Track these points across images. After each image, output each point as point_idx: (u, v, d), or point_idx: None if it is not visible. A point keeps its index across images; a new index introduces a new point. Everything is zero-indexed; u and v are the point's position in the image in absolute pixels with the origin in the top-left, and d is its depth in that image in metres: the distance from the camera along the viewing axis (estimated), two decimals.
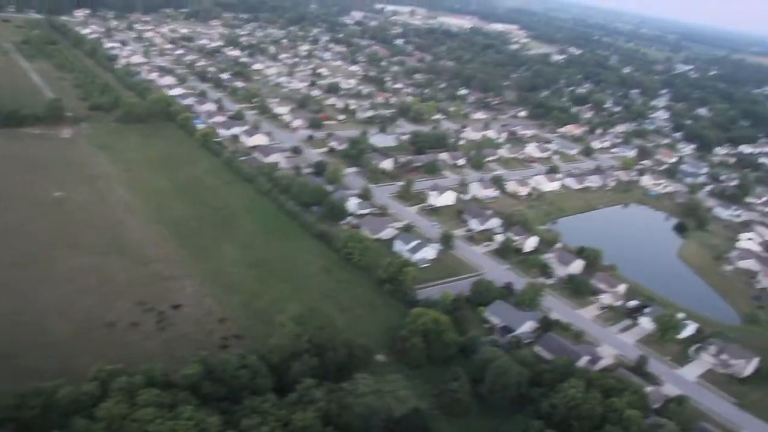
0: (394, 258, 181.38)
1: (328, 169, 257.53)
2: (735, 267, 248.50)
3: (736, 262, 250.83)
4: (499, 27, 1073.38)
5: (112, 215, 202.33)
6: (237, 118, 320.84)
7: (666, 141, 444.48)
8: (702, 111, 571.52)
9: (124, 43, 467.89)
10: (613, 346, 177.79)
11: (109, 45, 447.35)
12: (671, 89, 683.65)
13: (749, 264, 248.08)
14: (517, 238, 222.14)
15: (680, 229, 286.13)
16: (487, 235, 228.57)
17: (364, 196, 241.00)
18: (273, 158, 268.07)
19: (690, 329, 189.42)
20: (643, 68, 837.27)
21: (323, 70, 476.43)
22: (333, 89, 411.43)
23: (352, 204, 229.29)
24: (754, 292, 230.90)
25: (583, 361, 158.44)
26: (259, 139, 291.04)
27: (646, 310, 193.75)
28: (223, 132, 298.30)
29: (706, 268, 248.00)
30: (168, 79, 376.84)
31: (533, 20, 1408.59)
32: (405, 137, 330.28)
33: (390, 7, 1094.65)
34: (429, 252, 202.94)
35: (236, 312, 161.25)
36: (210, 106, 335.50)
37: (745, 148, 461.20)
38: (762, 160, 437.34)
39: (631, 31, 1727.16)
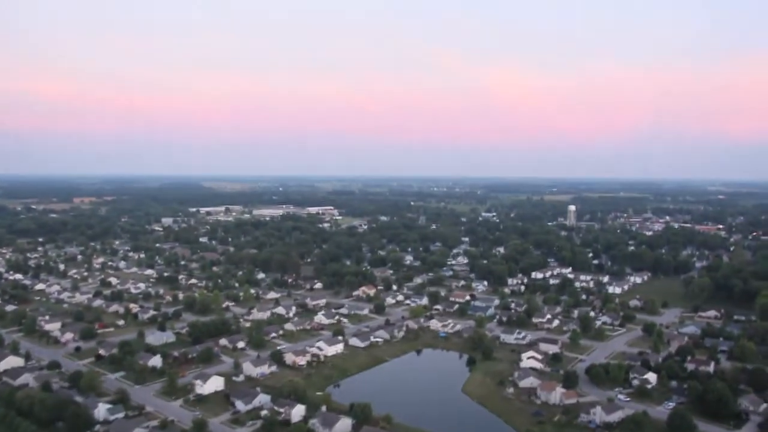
0: None
1: (83, 378, 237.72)
2: (517, 387, 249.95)
3: (518, 383, 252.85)
4: (313, 210, 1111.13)
5: None
6: None
7: (462, 283, 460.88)
8: (500, 249, 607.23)
9: None
10: None
11: None
12: (473, 236, 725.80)
13: (529, 382, 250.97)
14: (282, 410, 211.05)
15: (470, 363, 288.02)
16: (254, 414, 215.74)
17: (120, 399, 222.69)
18: (22, 379, 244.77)
19: None
20: (449, 222, 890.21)
21: (113, 279, 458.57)
22: (117, 296, 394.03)
23: (101, 410, 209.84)
24: (534, 408, 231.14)
25: None
26: (12, 362, 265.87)
27: None
28: None
29: (488, 396, 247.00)
30: None
31: (350, 199, 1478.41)
32: (184, 330, 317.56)
33: (204, 209, 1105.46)
34: None
35: None
36: None
37: (537, 274, 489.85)
38: (552, 281, 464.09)
39: (445, 192, 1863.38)
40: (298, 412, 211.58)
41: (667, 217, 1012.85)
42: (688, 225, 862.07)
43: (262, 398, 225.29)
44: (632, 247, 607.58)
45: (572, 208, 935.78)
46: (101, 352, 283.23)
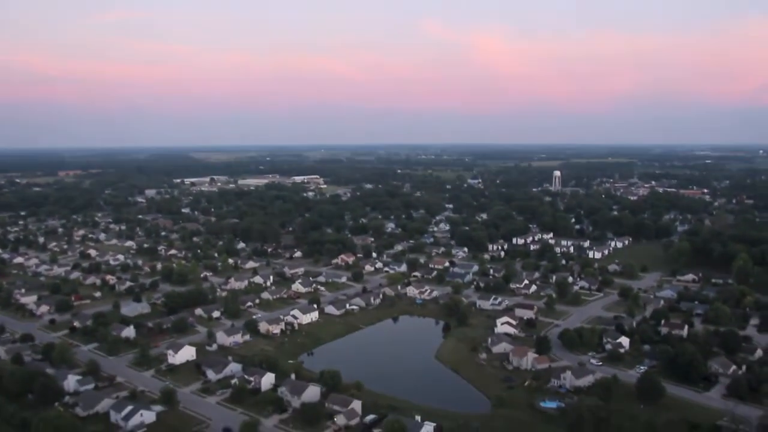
0: None
1: (55, 350, 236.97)
2: (490, 353, 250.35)
3: (492, 348, 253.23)
4: (299, 179, 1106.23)
5: None
6: None
7: (442, 249, 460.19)
8: (483, 216, 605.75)
9: None
10: None
11: None
12: (457, 203, 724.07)
13: (502, 347, 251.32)
14: (252, 378, 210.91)
15: (445, 329, 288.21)
16: (225, 383, 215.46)
17: (90, 370, 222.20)
18: None
19: (427, 430, 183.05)
20: (434, 189, 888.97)
21: (92, 251, 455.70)
22: (95, 268, 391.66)
23: (71, 382, 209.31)
24: (506, 373, 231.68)
25: None
26: None
27: (384, 421, 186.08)
28: None
29: (461, 362, 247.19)
30: None
31: (337, 167, 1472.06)
32: (160, 301, 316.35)
33: (189, 180, 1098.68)
34: (147, 416, 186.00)
35: None
36: None
37: (518, 240, 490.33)
38: (533, 247, 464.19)
39: (433, 160, 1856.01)
40: (268, 380, 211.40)
41: (653, 182, 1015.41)
42: (673, 189, 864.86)
43: (233, 367, 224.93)
44: (615, 212, 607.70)
45: (557, 173, 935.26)
46: (76, 324, 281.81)
